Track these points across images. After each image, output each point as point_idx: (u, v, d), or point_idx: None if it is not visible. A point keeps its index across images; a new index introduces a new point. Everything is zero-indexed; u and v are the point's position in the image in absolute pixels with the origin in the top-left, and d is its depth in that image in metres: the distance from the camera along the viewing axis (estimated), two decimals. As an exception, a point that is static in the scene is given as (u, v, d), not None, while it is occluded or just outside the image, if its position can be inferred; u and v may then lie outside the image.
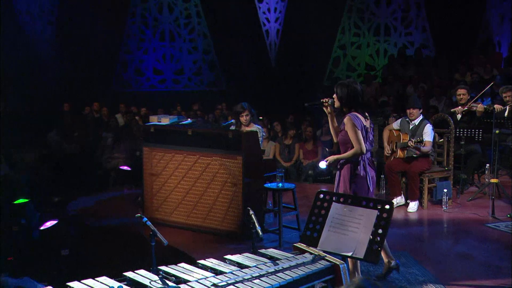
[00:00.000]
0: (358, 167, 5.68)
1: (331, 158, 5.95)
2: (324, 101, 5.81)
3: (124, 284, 3.83)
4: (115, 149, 12.36)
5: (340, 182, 5.79)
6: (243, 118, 8.21)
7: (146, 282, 3.87)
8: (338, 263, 4.26)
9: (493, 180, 8.73)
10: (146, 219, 4.06)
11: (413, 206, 8.64)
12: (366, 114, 5.77)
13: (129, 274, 4.02)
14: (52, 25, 18.21)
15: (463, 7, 15.80)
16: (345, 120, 5.64)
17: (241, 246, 7.17)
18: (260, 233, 4.39)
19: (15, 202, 8.72)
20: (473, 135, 9.15)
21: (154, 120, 9.25)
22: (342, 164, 5.76)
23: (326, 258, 4.31)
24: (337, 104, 5.73)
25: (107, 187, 11.15)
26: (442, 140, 9.12)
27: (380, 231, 4.31)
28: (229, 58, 18.77)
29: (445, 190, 8.67)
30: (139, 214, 4.15)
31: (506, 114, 9.80)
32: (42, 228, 8.13)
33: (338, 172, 5.85)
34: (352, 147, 5.65)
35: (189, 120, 9.48)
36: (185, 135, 8.09)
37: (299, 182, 11.03)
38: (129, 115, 14.51)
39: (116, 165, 11.56)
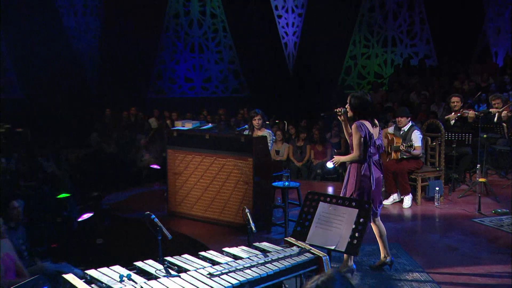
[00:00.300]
0: (364, 167, 5.75)
1: (336, 158, 6.12)
2: (337, 111, 5.93)
3: (134, 272, 3.89)
4: (147, 149, 12.56)
5: (349, 179, 5.87)
6: (256, 122, 8.28)
7: (152, 271, 3.92)
8: (321, 255, 4.28)
9: (481, 179, 8.73)
10: (154, 216, 4.13)
11: (407, 202, 8.62)
12: (376, 122, 5.84)
13: (139, 263, 4.08)
14: (96, 39, 18.44)
15: (464, 20, 15.66)
16: (352, 127, 5.74)
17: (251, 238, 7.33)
18: (254, 229, 4.44)
19: (59, 197, 8.87)
20: (463, 139, 9.10)
21: (178, 125, 9.30)
22: (352, 165, 5.85)
23: (311, 251, 4.34)
24: (350, 113, 5.82)
25: (139, 183, 11.14)
26: (434, 143, 9.13)
27: (359, 227, 4.39)
28: (252, 68, 18.75)
29: (437, 188, 8.64)
30: (148, 212, 4.19)
31: (495, 119, 9.78)
32: (79, 219, 8.26)
33: (348, 170, 5.94)
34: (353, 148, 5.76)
35: (209, 124, 9.49)
36: (203, 139, 8.13)
37: (309, 180, 11.07)
38: (161, 119, 14.66)
39: (147, 164, 11.68)
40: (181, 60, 18.98)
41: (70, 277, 3.80)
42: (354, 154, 5.71)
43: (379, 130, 5.91)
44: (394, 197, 8.83)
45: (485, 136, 8.90)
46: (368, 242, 6.93)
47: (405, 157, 8.54)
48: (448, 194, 9.16)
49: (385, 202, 8.70)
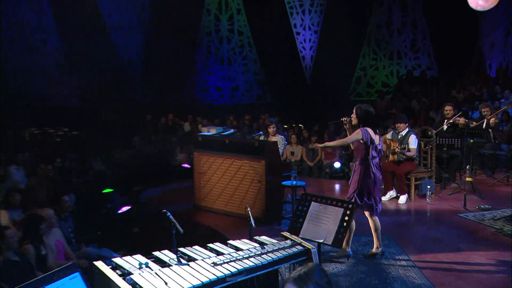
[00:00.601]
0: (369, 169, 5.85)
1: (327, 143, 6.44)
2: (343, 119, 6.08)
3: (151, 261, 3.99)
4: (180, 150, 12.69)
5: (353, 178, 5.98)
6: (270, 130, 8.45)
7: (166, 259, 4.02)
8: (310, 247, 4.33)
9: (468, 179, 8.68)
10: (169, 214, 4.21)
11: (402, 199, 8.64)
12: (377, 131, 5.95)
13: (156, 253, 4.18)
14: (141, 55, 18.60)
15: (462, 36, 15.46)
16: (357, 130, 5.86)
17: (263, 228, 7.17)
18: (254, 225, 4.52)
19: (104, 191, 8.84)
20: (453, 143, 9.10)
21: (204, 130, 9.42)
22: (356, 166, 5.97)
23: (302, 244, 4.39)
24: (355, 121, 5.94)
25: (173, 180, 11.07)
26: (427, 147, 9.12)
27: (344, 224, 4.49)
28: (274, 78, 18.72)
29: (428, 187, 8.66)
30: (164, 210, 4.25)
31: (484, 126, 9.74)
32: (120, 211, 8.32)
33: (354, 170, 6.05)
34: (360, 154, 5.89)
35: (231, 130, 9.58)
36: (223, 143, 8.25)
37: (320, 178, 11.04)
38: (194, 124, 14.79)
39: (180, 163, 11.63)
40: (212, 71, 19.05)
41: (99, 264, 3.93)
42: (344, 140, 6.01)
43: (379, 137, 6.02)
44: (391, 193, 8.86)
45: (471, 141, 8.90)
46: (363, 234, 6.98)
47: (401, 159, 8.55)
48: (439, 192, 9.14)
49: (383, 198, 8.67)
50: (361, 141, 5.81)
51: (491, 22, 15.45)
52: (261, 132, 8.87)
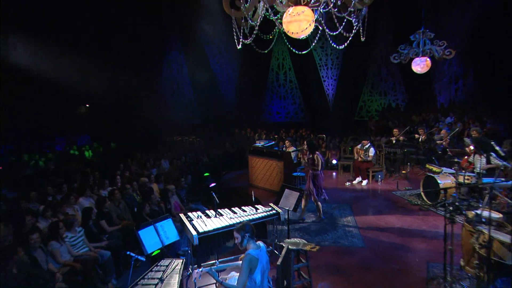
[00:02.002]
0: (321, 175, 6.45)
1: (306, 165, 6.53)
2: (302, 148, 6.77)
3: (204, 215, 4.69)
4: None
5: (313, 180, 6.45)
6: (286, 143, 9.18)
7: (210, 214, 4.76)
8: (279, 211, 4.92)
9: (403, 171, 8.94)
10: (214, 194, 4.73)
11: (364, 182, 8.89)
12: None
13: (207, 211, 4.91)
14: (234, 94, 19.06)
15: (422, 81, 14.93)
16: (315, 156, 6.36)
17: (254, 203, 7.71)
18: (254, 199, 5.14)
19: (204, 174, 9.35)
20: (396, 151, 9.42)
21: (257, 142, 10.03)
22: (312, 173, 6.38)
23: (275, 209, 4.98)
24: (307, 149, 6.48)
25: (243, 168, 11.00)
26: (380, 153, 9.48)
27: (298, 200, 5.09)
28: (310, 107, 18.73)
29: (379, 176, 8.91)
30: (212, 192, 4.80)
31: (419, 140, 9.91)
32: (210, 186, 9.41)
33: (310, 175, 6.41)
34: (318, 166, 6.41)
35: (273, 142, 9.85)
36: (262, 151, 8.79)
37: (326, 169, 11.17)
38: (260, 135, 15.20)
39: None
40: (274, 103, 19.30)
41: (181, 215, 4.78)
42: (318, 168, 6.35)
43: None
44: (358, 179, 9.07)
45: (405, 150, 9.16)
46: (333, 202, 7.50)
47: (364, 161, 8.88)
48: (387, 179, 9.26)
49: (354, 182, 8.98)
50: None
51: (439, 75, 15.00)
52: (284, 146, 9.55)
